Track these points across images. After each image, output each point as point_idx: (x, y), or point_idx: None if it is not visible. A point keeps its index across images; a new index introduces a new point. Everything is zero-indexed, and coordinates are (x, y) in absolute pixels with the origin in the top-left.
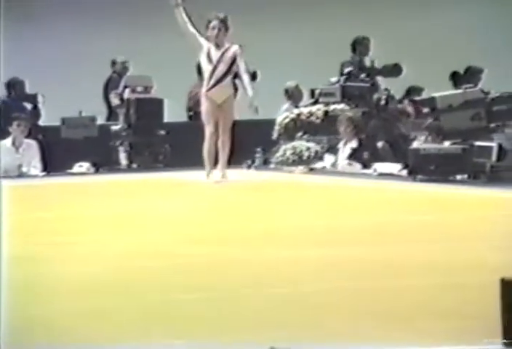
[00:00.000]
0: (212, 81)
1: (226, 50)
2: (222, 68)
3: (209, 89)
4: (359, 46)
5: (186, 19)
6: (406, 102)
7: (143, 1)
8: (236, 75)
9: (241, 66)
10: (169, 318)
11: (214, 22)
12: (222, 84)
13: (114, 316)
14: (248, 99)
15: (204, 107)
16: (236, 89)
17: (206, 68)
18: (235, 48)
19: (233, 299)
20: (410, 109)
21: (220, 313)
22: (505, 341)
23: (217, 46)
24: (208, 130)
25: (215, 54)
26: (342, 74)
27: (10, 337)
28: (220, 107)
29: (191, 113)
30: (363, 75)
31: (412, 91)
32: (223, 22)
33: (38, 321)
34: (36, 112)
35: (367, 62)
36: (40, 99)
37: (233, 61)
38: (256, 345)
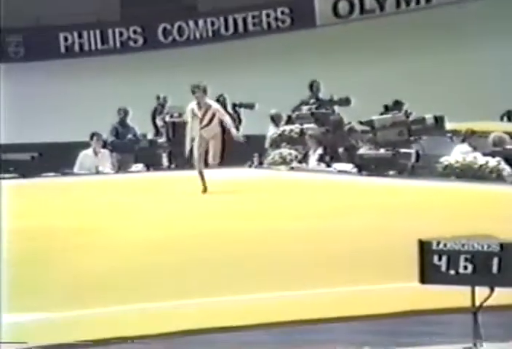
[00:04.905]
0: (202, 125)
1: (207, 108)
2: (206, 120)
3: (200, 129)
4: (313, 87)
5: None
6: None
7: (177, 57)
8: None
9: (224, 118)
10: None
11: (197, 94)
12: (209, 128)
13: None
14: (235, 135)
15: (197, 140)
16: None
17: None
18: (214, 105)
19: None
20: (358, 127)
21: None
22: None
23: (199, 105)
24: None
25: (198, 112)
26: (308, 104)
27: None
28: (209, 142)
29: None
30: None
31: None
32: (204, 90)
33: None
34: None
35: (323, 96)
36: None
37: (214, 115)
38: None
